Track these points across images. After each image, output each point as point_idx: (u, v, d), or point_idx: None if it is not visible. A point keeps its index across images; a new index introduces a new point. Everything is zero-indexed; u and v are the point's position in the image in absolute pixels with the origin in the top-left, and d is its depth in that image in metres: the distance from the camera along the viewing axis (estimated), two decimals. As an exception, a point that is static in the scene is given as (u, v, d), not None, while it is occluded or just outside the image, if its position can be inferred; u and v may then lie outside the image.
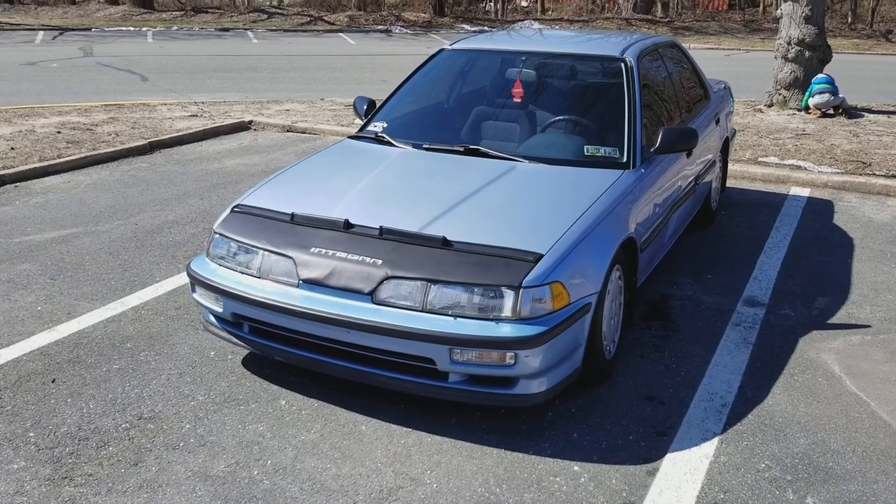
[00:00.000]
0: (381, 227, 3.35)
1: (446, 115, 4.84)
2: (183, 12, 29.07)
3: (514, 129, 4.41)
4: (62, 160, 7.39)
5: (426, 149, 4.30)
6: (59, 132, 8.64)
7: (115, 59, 16.33)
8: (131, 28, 25.11)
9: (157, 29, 24.96)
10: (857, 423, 3.36)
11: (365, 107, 4.86)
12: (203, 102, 11.00)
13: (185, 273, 3.76)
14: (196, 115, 9.95)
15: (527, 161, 4.07)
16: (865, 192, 7.00)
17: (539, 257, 3.18)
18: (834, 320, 4.38)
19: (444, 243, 3.25)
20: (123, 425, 3.26)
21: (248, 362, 3.80)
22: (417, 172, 4.09)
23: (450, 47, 5.13)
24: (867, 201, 6.77)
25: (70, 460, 3.02)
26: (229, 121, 9.55)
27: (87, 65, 15.68)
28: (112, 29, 24.69)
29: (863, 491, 2.91)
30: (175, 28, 25.45)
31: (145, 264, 5.03)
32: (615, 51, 4.68)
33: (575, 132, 4.39)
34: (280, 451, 3.11)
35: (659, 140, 4.14)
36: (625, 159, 4.08)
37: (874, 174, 7.29)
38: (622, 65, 4.53)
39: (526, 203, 3.68)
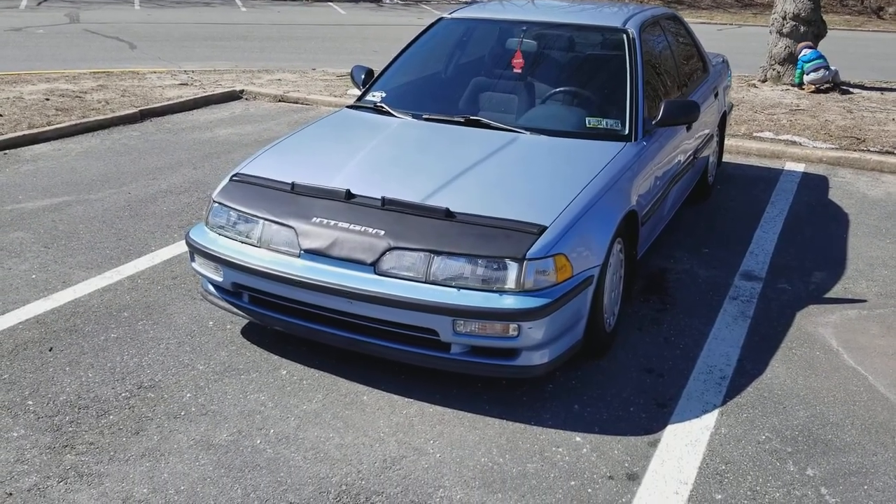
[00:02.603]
0: (383, 198, 3.33)
1: (446, 86, 4.79)
2: (170, -21, 28.51)
3: (514, 100, 4.37)
4: (52, 128, 7.28)
5: (426, 119, 4.26)
6: (47, 99, 8.51)
7: (103, 27, 16.06)
8: (118, -5, 24.62)
9: (144, -4, 24.51)
10: (855, 396, 3.39)
11: (363, 76, 4.80)
12: (193, 71, 10.86)
13: (184, 242, 3.73)
14: (186, 84, 9.82)
15: (528, 133, 4.04)
16: (860, 167, 7.01)
17: (543, 229, 3.17)
18: (830, 294, 4.41)
19: (448, 214, 3.23)
20: (123, 394, 3.24)
21: (247, 332, 3.78)
22: (418, 143, 4.05)
23: (449, 16, 5.07)
24: (862, 177, 6.79)
25: (70, 428, 3.00)
26: (220, 90, 9.43)
27: (73, 31, 15.42)
28: (97, -5, 24.21)
29: (862, 463, 2.94)
30: (162, -5, 24.99)
31: (140, 233, 4.98)
32: (617, 21, 4.64)
33: (576, 104, 4.36)
34: (282, 421, 3.11)
35: (661, 113, 4.12)
36: (626, 132, 4.06)
37: (868, 150, 7.30)
38: (624, 36, 4.49)
39: (528, 175, 3.65)
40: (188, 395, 3.26)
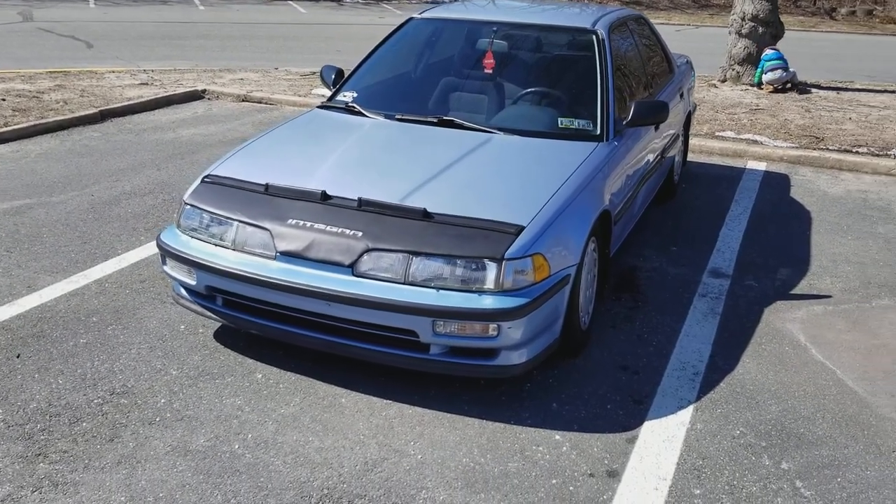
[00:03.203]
0: (359, 199, 3.31)
1: (418, 86, 4.78)
2: (125, -23, 27.98)
3: (487, 100, 4.38)
4: (9, 129, 7.10)
5: (399, 119, 4.25)
6: (3, 100, 8.29)
7: (57, 25, 15.71)
8: (71, -8, 24.11)
9: (99, -7, 24.04)
10: (825, 390, 3.47)
11: (333, 76, 4.77)
12: (153, 70, 10.68)
13: (152, 245, 3.67)
14: (147, 84, 9.65)
15: (502, 133, 4.05)
16: (819, 165, 7.17)
17: (520, 229, 3.18)
18: (796, 291, 4.50)
19: (425, 215, 3.22)
20: (96, 401, 3.18)
21: (220, 335, 3.73)
22: (392, 143, 4.04)
23: (419, 16, 5.06)
24: (821, 175, 6.95)
25: (43, 437, 2.93)
26: (181, 89, 9.29)
27: (27, 30, 15.06)
28: (50, -8, 23.67)
29: (834, 455, 3.01)
30: (117, -7, 24.53)
31: (105, 236, 4.89)
32: (587, 23, 4.68)
33: (548, 104, 4.39)
34: (260, 425, 3.07)
35: (631, 113, 4.17)
36: (598, 132, 4.10)
37: (827, 149, 7.47)
38: (594, 37, 4.53)
39: (504, 175, 3.67)
40: (162, 400, 3.21)
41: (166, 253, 3.51)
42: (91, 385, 3.29)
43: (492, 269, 3.08)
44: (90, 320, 3.83)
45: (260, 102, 9.15)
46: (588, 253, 3.59)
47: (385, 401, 3.27)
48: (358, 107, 4.40)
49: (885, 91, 10.97)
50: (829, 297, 4.43)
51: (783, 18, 11.04)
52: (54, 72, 10.17)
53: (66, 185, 5.81)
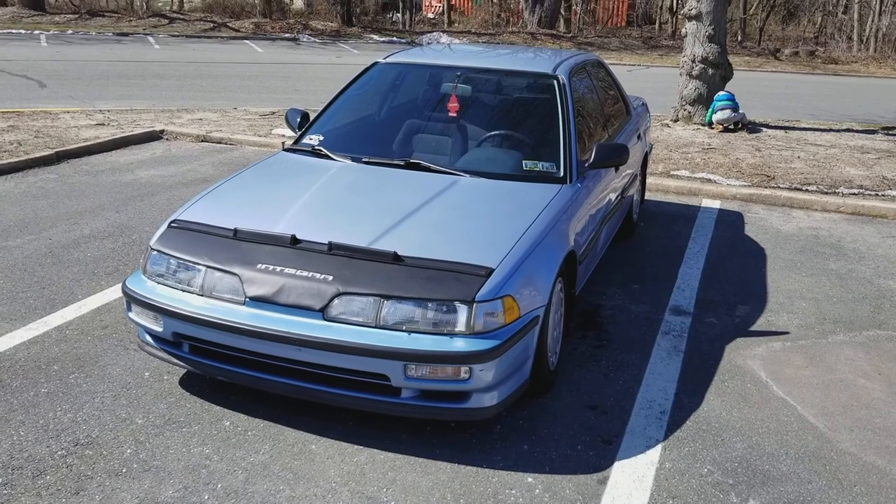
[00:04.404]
0: (329, 243, 3.32)
1: (384, 129, 4.83)
2: (77, 15, 27.79)
3: (454, 143, 4.45)
4: (-39, 171, 6.96)
5: (366, 162, 4.28)
6: (-46, 140, 8.13)
7: (8, 64, 15.47)
8: (22, 31, 23.81)
9: (51, 32, 23.79)
10: (787, 426, 3.55)
11: (298, 119, 4.79)
12: (109, 110, 10.57)
13: (114, 290, 3.62)
14: (103, 124, 9.55)
15: (468, 175, 4.11)
16: (771, 203, 7.40)
17: (490, 271, 3.22)
18: (755, 327, 4.61)
19: (396, 258, 3.25)
20: (59, 452, 3.10)
21: (185, 382, 3.68)
22: (360, 187, 4.07)
23: (384, 61, 5.13)
24: (774, 212, 7.16)
25: (5, 491, 2.84)
26: (139, 130, 9.21)
27: (-23, 68, 14.80)
28: (1, 31, 23.39)
29: (799, 491, 3.08)
30: (70, 32, 24.31)
31: (65, 281, 4.80)
32: (548, 68, 4.80)
33: (512, 147, 4.47)
34: (230, 474, 3.02)
35: (593, 155, 4.27)
36: (562, 174, 4.18)
37: (778, 187, 7.71)
38: (555, 82, 4.65)
39: (472, 217, 3.71)
40: (128, 450, 3.14)
41: (132, 299, 3.46)
42: (54, 436, 3.21)
43: (463, 312, 3.10)
44: (51, 368, 3.74)
45: (220, 143, 9.11)
46: (555, 293, 3.64)
47: (356, 446, 3.25)
48: (324, 150, 4.43)
49: (830, 130, 11.38)
50: (787, 333, 4.54)
51: (730, 58, 11.41)
52: (6, 112, 10.01)
53: (22, 229, 5.70)
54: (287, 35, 26.83)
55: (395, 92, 5.04)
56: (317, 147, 4.47)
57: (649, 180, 7.63)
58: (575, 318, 4.51)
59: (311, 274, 3.22)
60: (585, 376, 3.93)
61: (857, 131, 11.46)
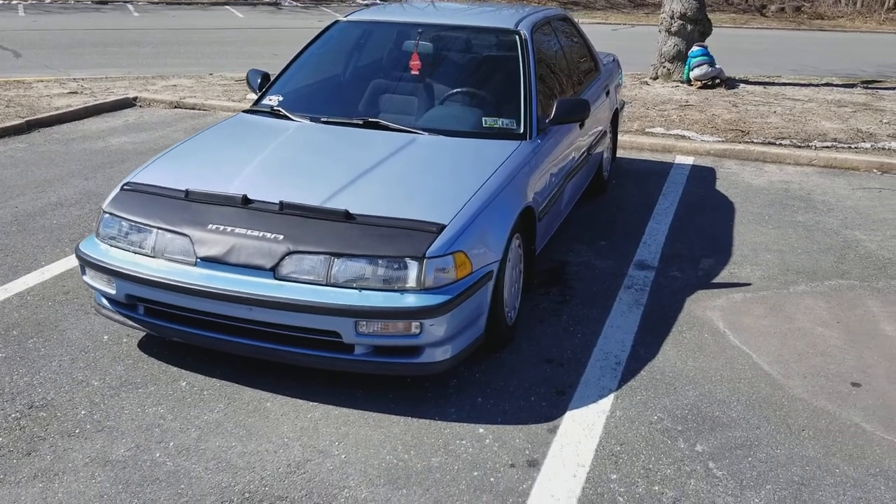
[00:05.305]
0: (281, 202, 3.31)
1: (344, 89, 4.80)
2: (56, -17, 27.32)
3: (412, 101, 4.42)
4: (-71, 141, 6.89)
5: (324, 122, 4.26)
6: (-77, 111, 8.04)
7: (-17, 34, 15.28)
8: (0, 1, 23.48)
9: (29, 2, 23.45)
10: (741, 374, 3.59)
11: (259, 80, 4.75)
12: (83, 79, 10.46)
13: (74, 255, 3.61)
14: (76, 93, 9.46)
15: (426, 133, 4.09)
16: (744, 158, 7.40)
17: (442, 228, 3.22)
18: (718, 280, 4.64)
19: (347, 216, 3.24)
20: (13, 415, 3.12)
21: (144, 345, 3.69)
22: (316, 146, 4.04)
23: (344, 19, 5.08)
24: (746, 167, 7.16)
25: (-44, 454, 2.87)
26: (112, 97, 9.12)
27: (-50, 39, 14.60)
28: (-23, 1, 23.03)
29: (747, 436, 3.12)
30: (48, 1, 23.96)
31: (29, 248, 4.79)
32: (509, 23, 4.75)
33: (473, 104, 4.44)
34: (182, 433, 3.05)
35: (553, 111, 4.24)
36: (521, 130, 4.16)
37: (752, 142, 7.71)
38: (517, 37, 4.60)
39: (427, 175, 3.70)
40: (83, 412, 3.16)
41: (85, 262, 3.46)
42: (9, 399, 3.22)
43: (413, 268, 3.11)
44: (10, 334, 3.75)
45: (193, 108, 9.04)
46: (512, 249, 3.65)
47: (311, 403, 3.28)
48: (283, 110, 4.40)
49: (810, 84, 11.34)
50: (749, 284, 4.57)
51: (716, 16, 11.36)
52: (-21, 82, 9.90)
53: (-12, 198, 5.67)
54: (268, 0, 26.46)
55: (356, 51, 4.99)
56: (276, 108, 4.44)
57: (624, 138, 7.61)
58: (538, 275, 4.53)
59: (261, 233, 3.22)
60: (546, 331, 3.96)
61: (837, 85, 11.42)
